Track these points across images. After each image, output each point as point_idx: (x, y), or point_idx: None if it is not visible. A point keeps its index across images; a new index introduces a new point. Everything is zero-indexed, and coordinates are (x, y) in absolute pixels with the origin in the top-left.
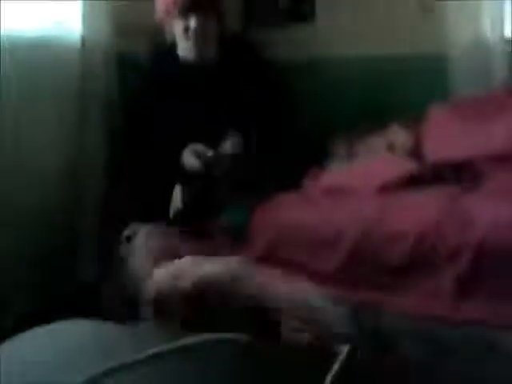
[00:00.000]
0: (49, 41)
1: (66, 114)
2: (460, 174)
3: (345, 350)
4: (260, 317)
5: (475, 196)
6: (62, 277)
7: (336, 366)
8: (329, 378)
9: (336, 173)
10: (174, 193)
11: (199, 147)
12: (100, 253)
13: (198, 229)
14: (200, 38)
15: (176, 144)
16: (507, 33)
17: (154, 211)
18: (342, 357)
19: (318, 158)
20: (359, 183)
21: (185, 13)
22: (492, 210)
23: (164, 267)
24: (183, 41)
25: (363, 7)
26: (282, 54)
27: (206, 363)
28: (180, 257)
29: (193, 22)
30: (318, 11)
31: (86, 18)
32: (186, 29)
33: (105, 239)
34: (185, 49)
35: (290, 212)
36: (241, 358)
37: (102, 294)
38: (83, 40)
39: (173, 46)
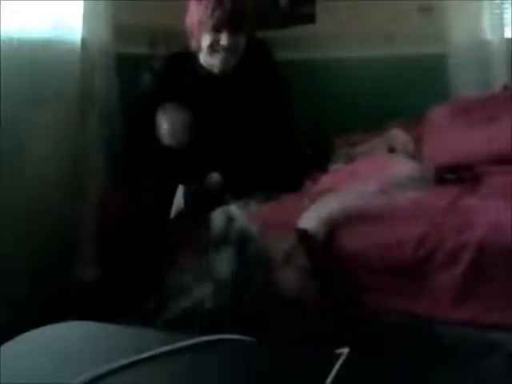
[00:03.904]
0: (49, 42)
1: (66, 115)
2: (460, 175)
3: (345, 352)
4: None
5: (475, 197)
6: (61, 277)
7: (336, 368)
8: (329, 379)
9: (335, 174)
10: (177, 193)
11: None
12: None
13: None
14: (229, 54)
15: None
16: (507, 33)
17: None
18: (341, 359)
19: (318, 159)
20: (358, 184)
21: (218, 28)
22: (492, 211)
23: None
24: (209, 54)
25: (363, 8)
26: (282, 54)
27: (205, 364)
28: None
29: (225, 39)
30: (318, 11)
31: (87, 19)
32: (215, 43)
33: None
34: (210, 61)
35: (289, 214)
36: (241, 358)
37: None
38: (84, 41)
39: (186, 50)
